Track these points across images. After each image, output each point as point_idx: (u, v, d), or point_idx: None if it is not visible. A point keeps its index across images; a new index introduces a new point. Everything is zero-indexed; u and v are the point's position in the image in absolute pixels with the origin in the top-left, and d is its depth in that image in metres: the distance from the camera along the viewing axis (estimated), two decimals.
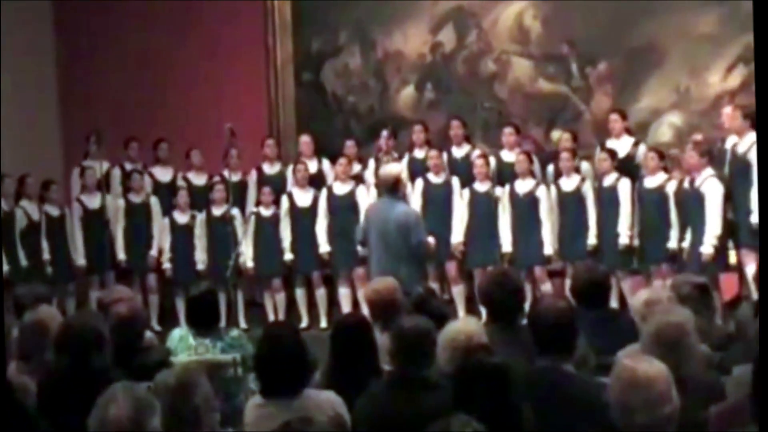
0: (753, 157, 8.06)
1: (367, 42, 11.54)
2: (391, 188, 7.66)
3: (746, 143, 8.55)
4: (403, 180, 7.83)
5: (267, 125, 11.56)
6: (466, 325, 4.71)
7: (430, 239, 7.62)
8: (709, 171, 8.77)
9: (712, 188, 8.69)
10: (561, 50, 11.06)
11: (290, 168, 10.51)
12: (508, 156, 10.03)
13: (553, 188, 9.67)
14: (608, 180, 9.42)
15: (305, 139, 10.67)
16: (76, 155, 11.18)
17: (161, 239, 10.41)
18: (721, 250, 8.70)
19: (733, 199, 8.72)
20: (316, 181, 10.36)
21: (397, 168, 8.12)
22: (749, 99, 8.82)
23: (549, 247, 9.57)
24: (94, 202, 10.37)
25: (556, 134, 10.91)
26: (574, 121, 10.91)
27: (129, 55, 11.60)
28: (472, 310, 9.01)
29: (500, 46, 11.24)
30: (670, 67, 10.67)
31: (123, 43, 11.58)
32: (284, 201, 10.22)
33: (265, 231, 10.22)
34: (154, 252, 10.39)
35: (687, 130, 10.46)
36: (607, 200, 9.38)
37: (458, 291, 9.93)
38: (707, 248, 8.63)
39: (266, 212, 10.25)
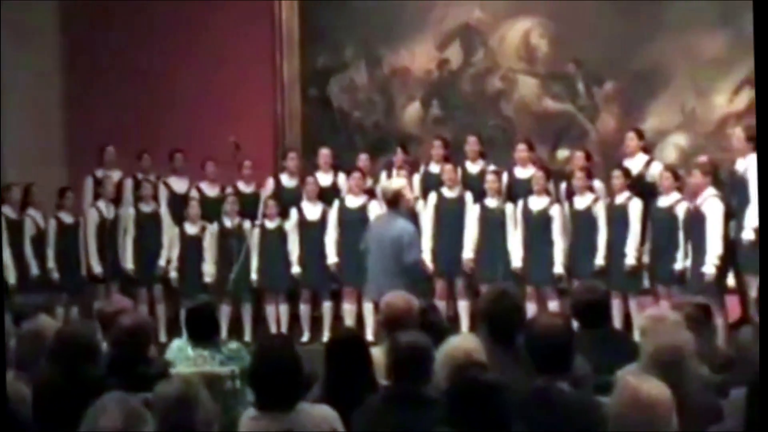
0: (751, 176, 8.03)
1: (374, 58, 11.55)
2: (392, 202, 7.68)
3: (746, 164, 8.49)
4: (404, 194, 7.81)
5: (273, 140, 11.58)
6: (465, 341, 4.68)
7: (425, 259, 7.56)
8: (710, 191, 8.74)
9: (712, 207, 8.64)
10: (567, 69, 11.06)
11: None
12: (521, 172, 9.99)
13: (565, 206, 9.65)
14: (620, 198, 9.40)
15: (324, 152, 10.65)
16: (80, 165, 11.19)
17: (170, 249, 10.42)
18: (723, 271, 8.64)
19: (735, 220, 8.64)
20: (330, 193, 10.35)
21: (399, 183, 8.11)
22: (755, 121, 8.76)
23: (559, 267, 9.53)
24: (110, 211, 10.40)
25: (562, 153, 10.92)
26: (579, 140, 10.90)
27: (135, 68, 11.58)
28: (476, 326, 8.96)
29: (507, 64, 11.24)
30: (676, 88, 10.66)
31: (129, 56, 11.58)
32: (293, 214, 10.22)
33: (270, 244, 10.21)
34: (162, 262, 10.39)
35: (692, 151, 10.44)
36: (618, 219, 9.34)
37: (464, 306, 9.89)
38: (709, 268, 8.57)
39: (270, 225, 10.25)
